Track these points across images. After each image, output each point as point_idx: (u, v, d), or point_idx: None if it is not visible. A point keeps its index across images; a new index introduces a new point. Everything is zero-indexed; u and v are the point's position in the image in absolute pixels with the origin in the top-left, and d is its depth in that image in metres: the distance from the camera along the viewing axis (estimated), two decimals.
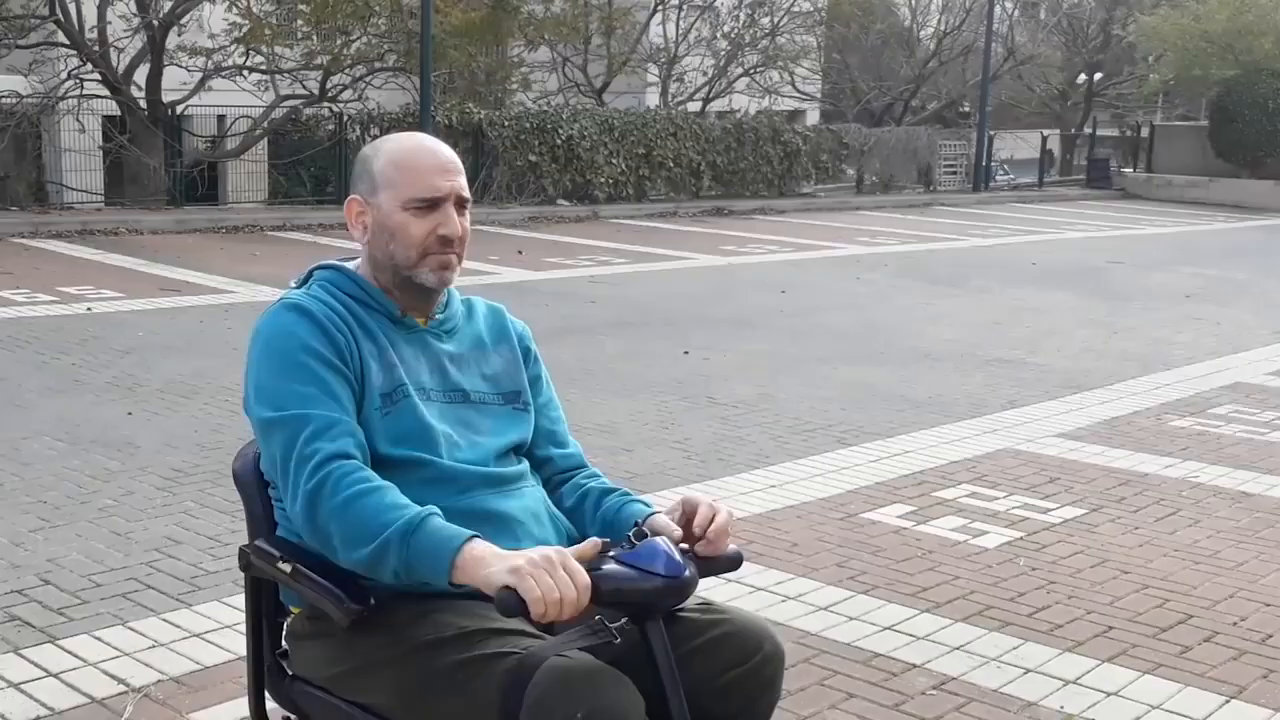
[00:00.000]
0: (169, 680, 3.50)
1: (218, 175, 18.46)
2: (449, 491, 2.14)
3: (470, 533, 1.97)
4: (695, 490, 5.31)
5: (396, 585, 2.04)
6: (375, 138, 18.04)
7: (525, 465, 2.31)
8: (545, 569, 1.85)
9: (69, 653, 3.64)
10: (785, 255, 15.13)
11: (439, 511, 2.02)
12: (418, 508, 2.02)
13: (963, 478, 5.80)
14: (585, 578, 1.87)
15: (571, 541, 2.18)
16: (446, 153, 2.27)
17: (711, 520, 2.13)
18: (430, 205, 2.21)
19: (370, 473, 2.07)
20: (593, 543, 1.96)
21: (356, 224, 2.29)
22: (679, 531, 2.11)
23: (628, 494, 2.36)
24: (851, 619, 4.10)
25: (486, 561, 1.92)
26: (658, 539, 1.97)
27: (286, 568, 2.12)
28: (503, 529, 2.15)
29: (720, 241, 16.15)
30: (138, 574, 4.30)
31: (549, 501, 2.31)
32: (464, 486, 2.17)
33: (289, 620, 2.26)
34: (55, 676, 3.50)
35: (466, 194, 2.26)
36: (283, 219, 16.19)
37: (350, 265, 2.34)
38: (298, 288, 2.32)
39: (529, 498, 2.26)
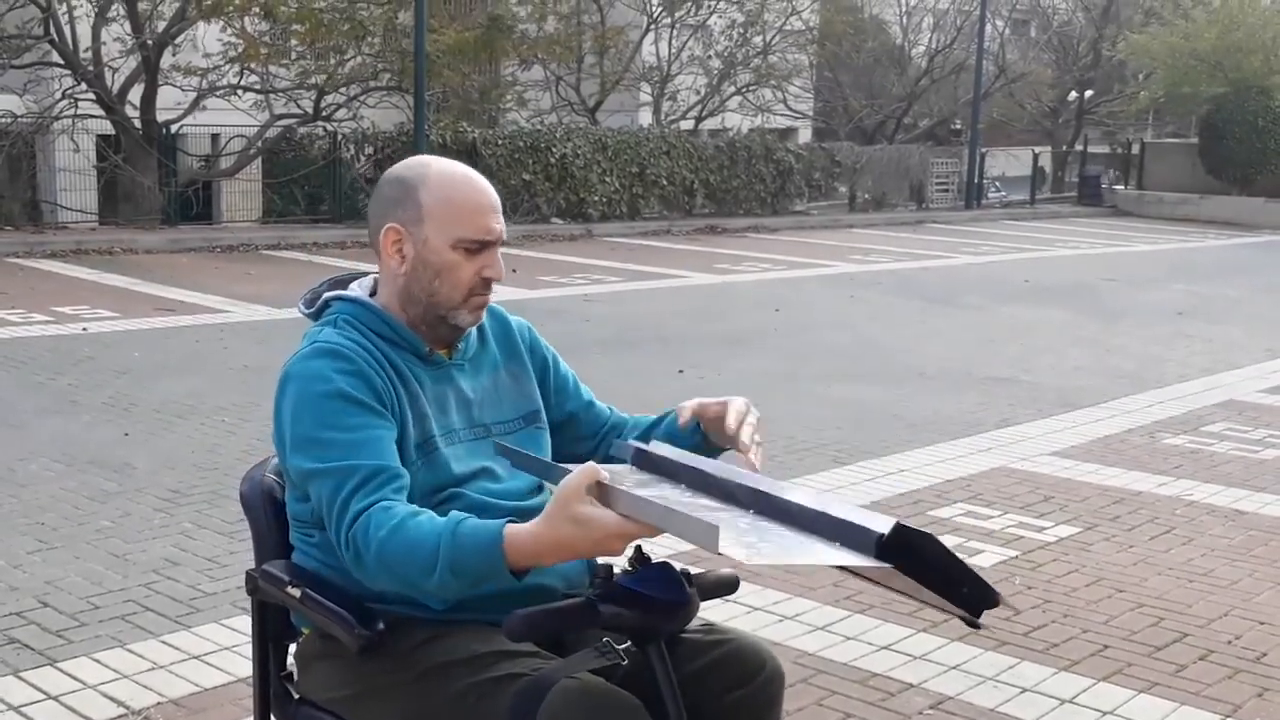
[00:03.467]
0: (169, 703, 3.51)
1: (212, 194, 18.47)
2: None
3: (501, 522, 1.92)
4: None
5: (473, 593, 1.98)
6: (369, 156, 18.41)
7: (546, 494, 2.27)
8: (585, 526, 1.80)
9: (68, 675, 3.65)
10: (779, 273, 15.17)
11: (467, 516, 1.96)
12: (444, 520, 1.94)
13: (958, 496, 5.82)
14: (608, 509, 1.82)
15: (594, 568, 2.11)
16: (493, 192, 2.22)
17: (739, 421, 2.15)
18: (481, 247, 2.17)
19: (399, 507, 1.99)
20: (589, 469, 1.84)
21: (393, 254, 2.18)
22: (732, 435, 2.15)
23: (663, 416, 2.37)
24: (848, 638, 4.12)
25: (540, 536, 1.84)
26: (661, 562, 1.99)
27: (296, 593, 2.12)
28: None
29: (714, 260, 16.19)
30: (136, 596, 4.31)
31: None
32: (486, 514, 2.11)
33: (299, 641, 2.27)
34: (55, 699, 3.51)
35: (505, 233, 2.25)
36: (277, 238, 16.21)
37: (363, 293, 2.27)
38: (309, 312, 2.28)
39: None
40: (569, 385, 2.43)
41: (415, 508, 2.00)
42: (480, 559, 1.88)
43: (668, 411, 2.36)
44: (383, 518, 1.96)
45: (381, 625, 2.06)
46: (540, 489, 2.27)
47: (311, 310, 2.28)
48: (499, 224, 2.19)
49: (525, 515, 2.15)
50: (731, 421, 2.15)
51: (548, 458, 2.27)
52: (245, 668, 3.63)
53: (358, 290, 2.28)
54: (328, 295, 2.28)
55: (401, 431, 2.12)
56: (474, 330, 2.30)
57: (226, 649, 3.85)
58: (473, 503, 2.14)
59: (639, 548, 2.05)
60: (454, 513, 1.97)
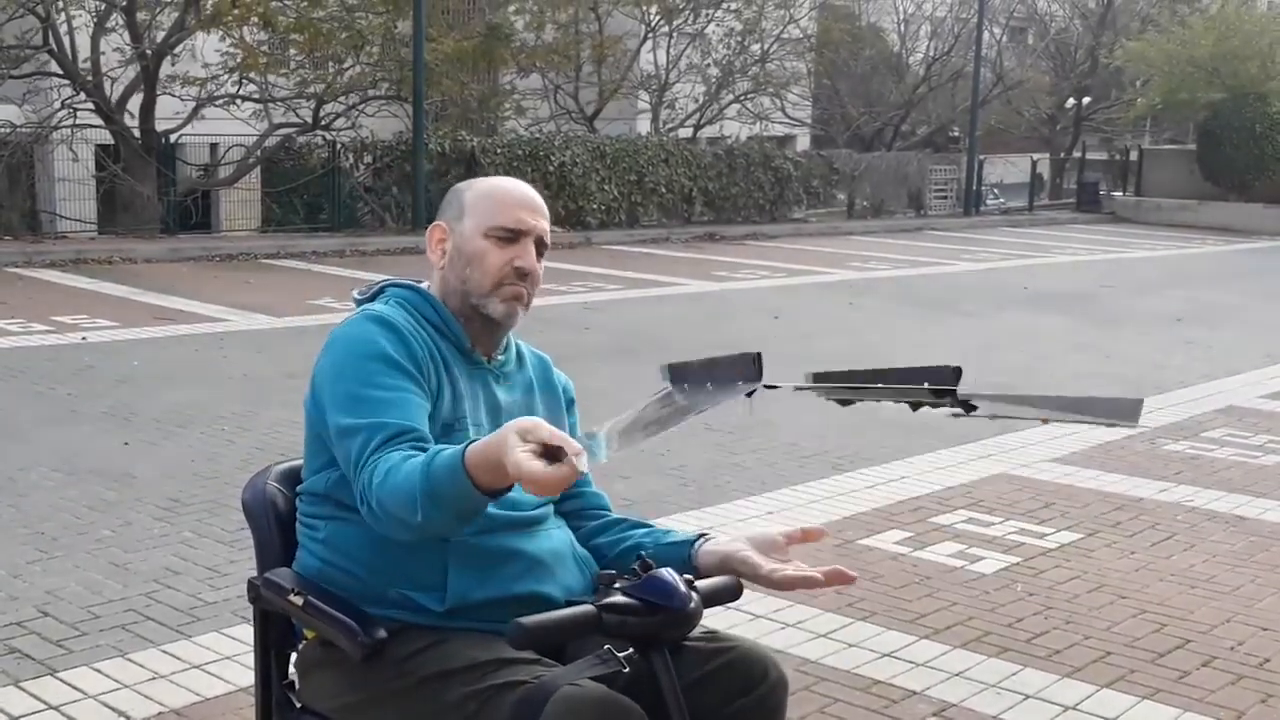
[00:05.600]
0: (169, 712, 3.50)
1: (211, 204, 18.47)
2: (474, 527, 2.10)
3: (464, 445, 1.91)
4: (693, 517, 5.36)
5: (461, 527, 2.00)
6: (368, 165, 18.43)
7: (550, 507, 2.29)
8: (532, 432, 1.78)
9: (69, 685, 3.64)
10: (777, 281, 15.17)
11: (445, 448, 1.95)
12: (424, 456, 1.95)
13: (959, 503, 5.81)
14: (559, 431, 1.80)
15: (595, 586, 2.13)
16: (536, 196, 2.31)
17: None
18: (512, 237, 2.24)
19: (396, 454, 2.01)
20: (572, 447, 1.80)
21: (436, 249, 2.30)
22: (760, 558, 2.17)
23: (665, 531, 2.38)
24: (850, 646, 4.11)
25: (487, 449, 1.83)
26: (662, 570, 1.99)
27: (298, 600, 2.12)
28: (528, 571, 2.15)
29: (712, 267, 16.19)
30: (136, 605, 4.30)
31: (575, 543, 2.30)
32: (489, 524, 2.14)
33: (300, 647, 2.26)
34: (55, 709, 3.50)
35: (548, 238, 2.30)
36: (277, 247, 16.21)
37: (423, 286, 2.34)
38: (363, 301, 2.32)
39: (555, 540, 2.24)
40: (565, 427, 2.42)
41: (411, 452, 2.01)
42: (450, 481, 1.87)
43: (667, 533, 2.36)
44: (382, 466, 2.00)
45: (383, 633, 2.06)
46: (545, 503, 2.27)
47: (365, 297, 2.35)
48: (534, 220, 2.26)
49: (518, 522, 2.16)
50: (780, 574, 2.15)
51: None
52: (246, 677, 3.63)
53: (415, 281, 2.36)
54: (384, 283, 2.36)
55: (434, 406, 2.17)
56: (514, 350, 2.36)
57: (227, 658, 3.84)
58: None
59: (641, 557, 2.05)
60: (435, 447, 1.98)
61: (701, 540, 2.27)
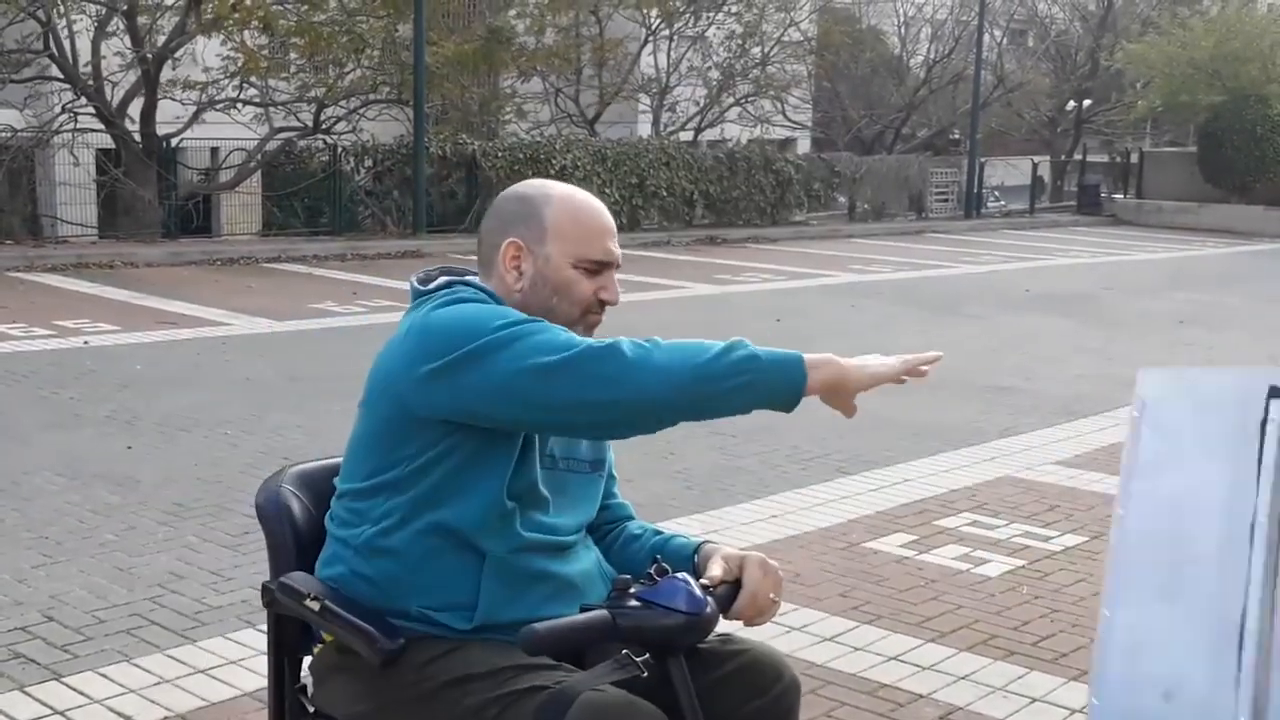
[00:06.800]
0: (175, 717, 3.49)
1: (212, 208, 18.48)
2: (507, 545, 2.10)
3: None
4: (697, 521, 5.36)
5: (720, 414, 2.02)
6: (369, 169, 18.42)
7: (584, 532, 2.27)
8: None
9: (74, 690, 3.64)
10: (779, 284, 15.17)
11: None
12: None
13: (963, 506, 5.81)
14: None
15: (610, 591, 2.11)
16: (610, 217, 2.24)
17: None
18: (600, 268, 2.19)
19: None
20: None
21: (511, 268, 2.17)
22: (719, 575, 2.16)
23: (674, 535, 2.38)
24: (857, 649, 4.10)
25: (827, 368, 2.01)
26: (678, 575, 1.98)
27: (315, 605, 2.10)
28: (558, 593, 2.12)
29: (714, 270, 16.19)
30: (141, 609, 4.30)
31: (603, 561, 2.28)
32: (525, 545, 2.11)
33: (315, 654, 2.25)
34: (61, 714, 3.49)
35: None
36: (278, 251, 16.21)
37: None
38: (424, 289, 2.19)
39: (585, 560, 2.22)
40: (607, 449, 2.39)
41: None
42: (775, 367, 1.98)
43: (672, 536, 2.37)
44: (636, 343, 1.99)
45: (403, 640, 2.05)
46: (581, 529, 2.25)
47: (427, 287, 2.21)
48: (617, 249, 2.22)
49: (564, 550, 2.16)
50: (754, 612, 2.17)
51: (597, 508, 2.31)
52: (252, 681, 3.63)
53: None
54: (449, 278, 2.22)
55: None
56: None
57: (233, 663, 3.84)
58: (517, 533, 2.11)
59: (657, 561, 2.04)
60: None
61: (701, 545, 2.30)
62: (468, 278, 2.22)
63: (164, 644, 4.00)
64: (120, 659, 3.87)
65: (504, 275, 2.18)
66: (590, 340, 1.99)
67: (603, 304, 2.21)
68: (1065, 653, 4.12)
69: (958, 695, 3.77)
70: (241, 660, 3.85)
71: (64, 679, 3.71)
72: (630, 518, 2.42)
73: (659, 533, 2.39)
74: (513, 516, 2.10)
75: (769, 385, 1.95)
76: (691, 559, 2.27)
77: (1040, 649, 4.15)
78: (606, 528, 2.38)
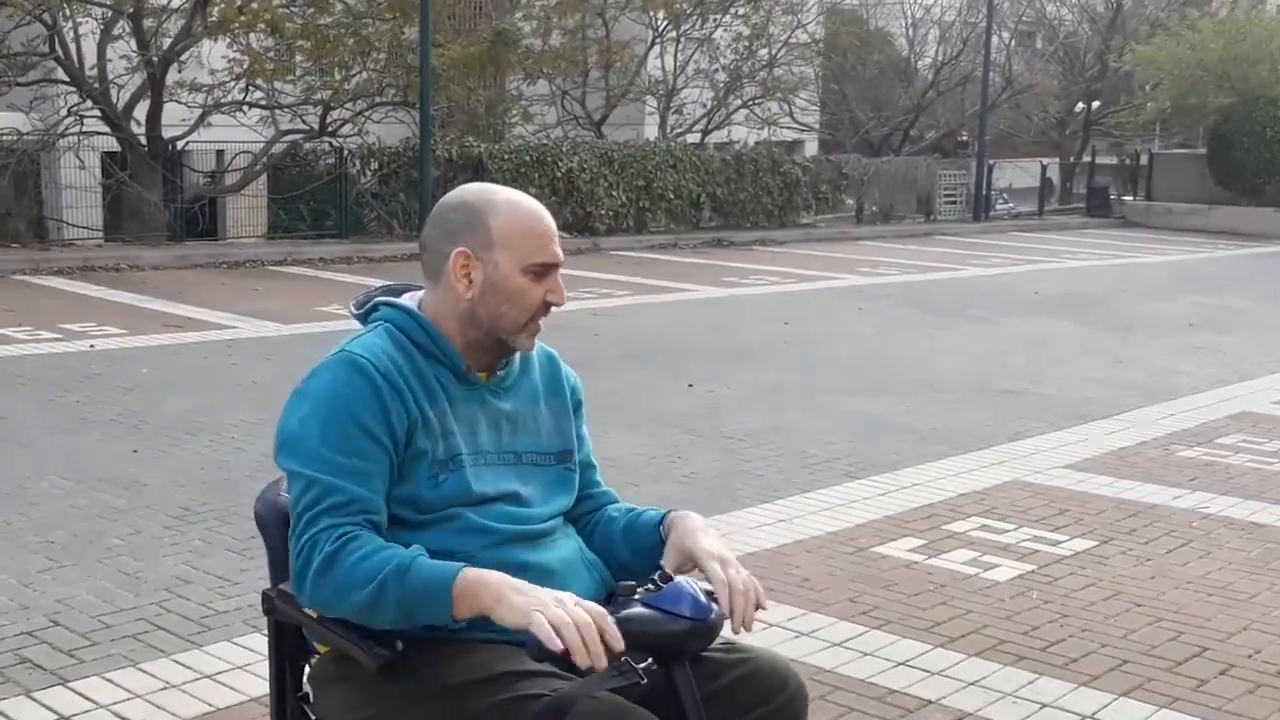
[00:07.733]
0: None
1: (218, 210, 18.48)
2: (482, 542, 2.13)
3: (459, 565, 1.99)
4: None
5: (406, 628, 2.05)
6: (375, 172, 18.42)
7: (560, 519, 2.29)
8: (554, 604, 1.89)
9: (80, 695, 3.63)
10: (787, 286, 15.15)
11: (425, 552, 2.03)
12: (405, 550, 2.03)
13: (972, 510, 5.78)
14: (597, 608, 1.89)
15: (609, 587, 2.17)
16: (551, 218, 2.27)
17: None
18: (546, 270, 2.21)
19: (371, 538, 2.07)
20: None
21: (461, 278, 2.20)
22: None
23: (644, 510, 2.38)
24: (865, 654, 4.08)
25: (491, 589, 1.95)
26: (683, 580, 1.97)
27: (313, 612, 2.10)
28: (539, 583, 2.10)
29: (721, 273, 16.17)
30: (148, 614, 4.28)
31: (585, 549, 2.29)
32: (498, 538, 2.15)
33: (313, 662, 2.24)
34: None
35: None
36: (284, 254, 16.22)
37: (413, 305, 2.28)
38: (358, 314, 2.30)
39: (564, 548, 2.24)
40: (583, 439, 2.43)
41: (382, 542, 2.07)
42: (429, 597, 1.99)
43: (644, 511, 2.37)
44: (355, 545, 2.03)
45: (400, 644, 2.04)
46: (557, 517, 2.26)
47: (360, 312, 2.32)
48: (559, 249, 2.24)
49: (539, 537, 2.14)
50: (736, 609, 2.11)
51: (572, 498, 2.33)
52: (258, 687, 3.61)
53: (409, 302, 2.30)
54: (379, 299, 2.31)
55: (412, 446, 2.14)
56: (517, 357, 2.32)
57: (239, 668, 3.82)
58: (470, 525, 2.15)
59: (662, 567, 2.03)
60: (415, 547, 2.05)
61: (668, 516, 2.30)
62: (403, 298, 2.29)
63: (170, 649, 3.99)
64: (126, 664, 3.86)
65: (454, 284, 2.21)
66: (316, 560, 2.05)
67: (548, 306, 2.24)
68: (1075, 658, 4.10)
69: (967, 701, 3.75)
70: (248, 666, 3.83)
71: (70, 684, 3.70)
72: (612, 503, 2.43)
73: (633, 509, 2.40)
74: (448, 523, 2.15)
75: (426, 613, 2.02)
76: (658, 530, 2.28)
77: (1050, 654, 4.13)
78: (588, 516, 2.39)
